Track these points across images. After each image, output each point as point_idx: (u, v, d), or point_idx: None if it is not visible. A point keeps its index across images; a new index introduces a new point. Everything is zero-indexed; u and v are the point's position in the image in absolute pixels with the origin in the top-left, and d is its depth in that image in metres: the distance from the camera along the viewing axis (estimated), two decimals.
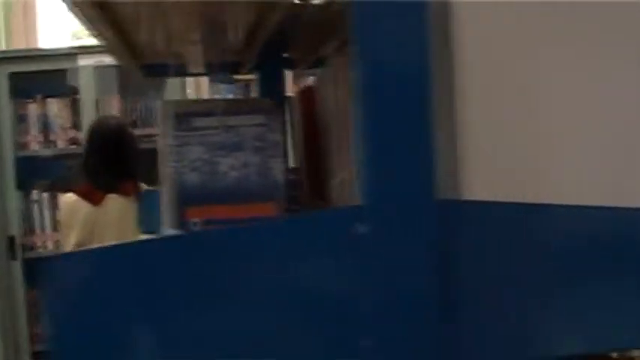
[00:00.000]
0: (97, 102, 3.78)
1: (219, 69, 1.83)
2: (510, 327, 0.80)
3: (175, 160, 1.24)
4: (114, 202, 2.78)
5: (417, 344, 0.76)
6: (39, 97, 3.78)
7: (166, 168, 1.25)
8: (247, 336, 0.77)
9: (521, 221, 0.79)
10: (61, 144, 3.77)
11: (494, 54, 0.80)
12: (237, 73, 1.81)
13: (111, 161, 2.74)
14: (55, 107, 3.79)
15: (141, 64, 1.63)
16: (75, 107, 3.78)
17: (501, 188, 0.80)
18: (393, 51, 0.74)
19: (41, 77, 3.75)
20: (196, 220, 1.23)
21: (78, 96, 3.76)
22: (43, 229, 3.73)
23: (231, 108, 1.26)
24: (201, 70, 1.74)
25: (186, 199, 1.23)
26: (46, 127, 3.78)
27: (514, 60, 0.80)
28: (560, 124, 0.80)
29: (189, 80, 3.81)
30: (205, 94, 3.89)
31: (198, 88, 3.88)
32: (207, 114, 1.24)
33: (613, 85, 0.81)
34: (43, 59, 3.74)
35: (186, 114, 1.24)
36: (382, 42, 0.75)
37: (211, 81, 3.87)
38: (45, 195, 3.74)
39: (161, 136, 1.29)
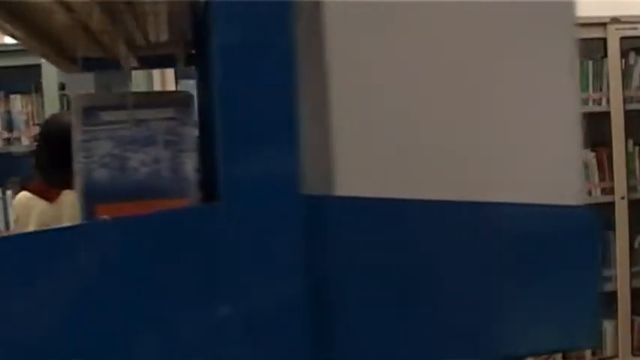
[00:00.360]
0: (63, 98, 3.73)
1: (153, 62, 1.78)
2: (387, 326, 0.76)
3: (85, 155, 1.19)
4: (69, 198, 2.73)
5: (285, 348, 0.73)
6: (2, 93, 3.73)
7: (77, 164, 1.21)
8: (103, 334, 0.73)
9: (396, 217, 0.76)
10: (25, 141, 3.72)
11: (367, 51, 0.76)
12: (174, 66, 1.77)
13: (62, 158, 2.68)
14: (19, 104, 3.74)
15: (68, 58, 1.59)
16: (42, 104, 3.73)
17: (376, 184, 0.76)
18: (252, 45, 0.70)
19: (5, 73, 3.70)
20: (106, 217, 1.19)
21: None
22: (7, 228, 3.68)
23: (142, 101, 1.22)
24: (134, 63, 1.69)
25: (96, 195, 1.19)
26: (9, 124, 3.72)
27: (387, 57, 0.76)
28: (432, 120, 0.76)
29: (156, 74, 3.76)
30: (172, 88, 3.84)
31: (164, 82, 3.83)
32: (117, 107, 1.19)
33: (485, 83, 0.78)
34: (7, 55, 3.69)
35: (95, 107, 1.19)
36: (243, 37, 0.71)
37: (178, 77, 3.82)
38: (9, 193, 3.69)
39: (73, 130, 1.25)
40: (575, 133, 0.83)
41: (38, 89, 3.73)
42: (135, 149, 1.18)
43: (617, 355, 3.88)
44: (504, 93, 0.80)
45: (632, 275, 3.86)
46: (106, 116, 1.19)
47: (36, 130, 3.69)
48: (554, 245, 0.81)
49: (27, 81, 3.76)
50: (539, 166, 0.81)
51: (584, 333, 0.83)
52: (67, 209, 2.73)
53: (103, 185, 1.19)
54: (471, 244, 0.78)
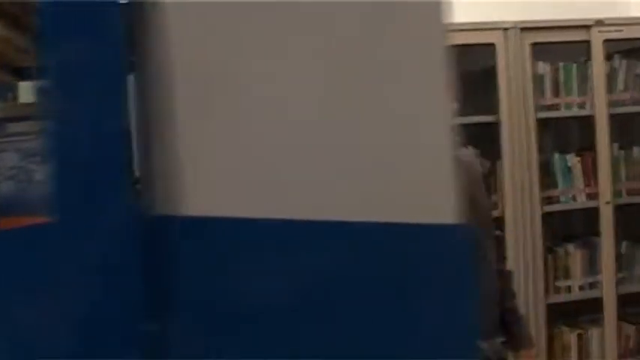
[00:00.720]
0: None
1: None
2: (232, 342, 0.73)
3: None
4: None
5: None
6: None
7: None
8: None
9: (242, 235, 0.72)
10: None
11: (215, 63, 0.72)
12: None
13: None
14: None
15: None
16: None
17: (223, 203, 0.73)
18: (79, 52, 0.67)
19: None
20: None
21: None
22: None
23: None
24: None
25: (2, 209, 1.16)
26: None
27: (230, 66, 0.72)
28: (292, 137, 0.72)
29: None
30: None
31: None
32: (23, 119, 1.17)
33: (348, 97, 0.74)
34: None
35: (1, 119, 1.17)
36: (72, 45, 0.67)
37: None
38: None
39: None
40: (447, 150, 0.79)
41: None
42: (41, 161, 1.15)
43: None
44: (368, 109, 0.76)
45: (618, 281, 3.80)
46: (12, 128, 1.16)
47: None
48: (426, 263, 0.78)
49: None
50: (409, 185, 0.77)
51: (461, 351, 0.79)
52: None
53: (9, 199, 1.16)
54: (331, 263, 0.75)
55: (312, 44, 0.74)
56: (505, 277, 2.22)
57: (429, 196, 0.78)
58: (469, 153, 2.15)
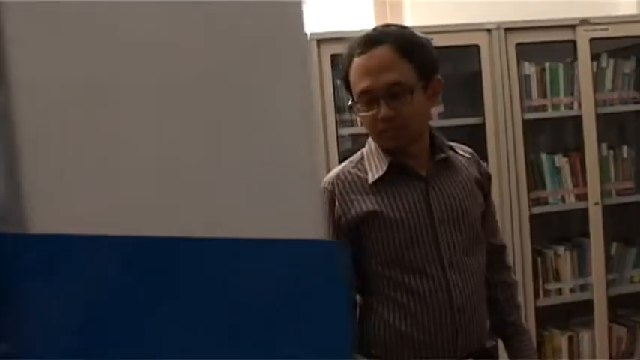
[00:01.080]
0: None
1: None
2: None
3: None
4: None
5: None
6: None
7: None
8: None
9: (87, 252, 0.71)
10: None
11: (56, 69, 0.71)
12: None
13: None
14: None
15: None
16: None
17: (68, 220, 0.72)
18: None
19: None
20: None
21: None
22: None
23: None
24: None
25: None
26: None
27: (72, 78, 0.71)
28: (121, 156, 0.71)
29: None
30: None
31: None
32: None
33: (204, 111, 0.72)
34: None
35: None
36: None
37: None
38: None
39: None
40: (310, 162, 0.77)
41: None
42: None
43: None
44: (225, 122, 0.74)
45: (609, 283, 3.76)
46: None
47: None
48: (293, 282, 0.76)
49: None
50: (271, 199, 0.75)
51: None
52: None
53: None
54: (181, 281, 0.73)
55: (161, 53, 0.72)
56: (509, 287, 2.14)
57: (289, 212, 0.76)
58: (466, 154, 2.06)
